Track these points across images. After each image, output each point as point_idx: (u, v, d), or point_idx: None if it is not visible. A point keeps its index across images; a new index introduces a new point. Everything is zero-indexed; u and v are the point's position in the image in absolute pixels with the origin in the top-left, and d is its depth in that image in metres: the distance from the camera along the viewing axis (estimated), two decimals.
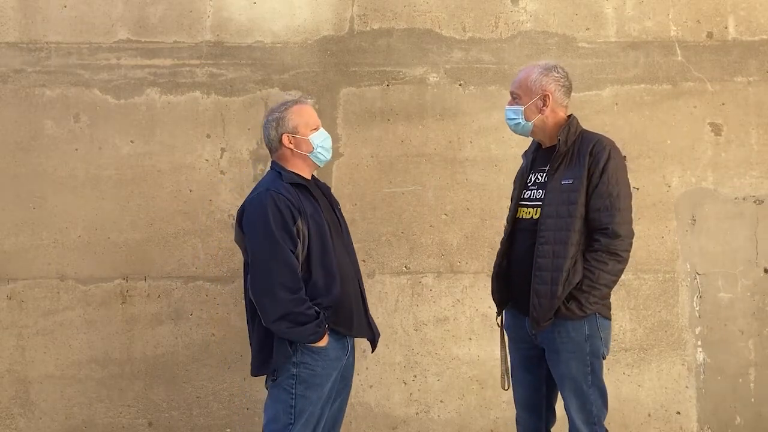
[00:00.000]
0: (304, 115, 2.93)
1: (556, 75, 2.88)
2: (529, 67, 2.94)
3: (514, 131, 2.97)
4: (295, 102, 2.98)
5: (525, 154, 3.07)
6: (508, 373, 3.05)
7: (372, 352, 3.08)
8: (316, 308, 2.74)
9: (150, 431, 3.87)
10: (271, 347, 2.77)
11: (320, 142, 2.93)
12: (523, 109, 2.88)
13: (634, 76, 3.93)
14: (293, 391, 2.77)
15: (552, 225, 2.75)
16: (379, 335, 3.03)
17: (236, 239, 2.93)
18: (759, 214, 3.90)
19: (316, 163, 2.96)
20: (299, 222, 2.75)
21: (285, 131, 2.90)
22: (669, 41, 3.94)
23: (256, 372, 2.84)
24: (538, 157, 2.99)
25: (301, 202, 2.80)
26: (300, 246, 2.76)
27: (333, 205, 3.02)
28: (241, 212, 2.86)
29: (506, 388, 3.06)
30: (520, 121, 2.89)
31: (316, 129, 2.94)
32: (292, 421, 2.76)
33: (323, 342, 2.76)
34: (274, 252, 2.72)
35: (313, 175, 3.04)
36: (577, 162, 2.78)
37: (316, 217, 2.82)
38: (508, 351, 3.05)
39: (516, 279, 2.90)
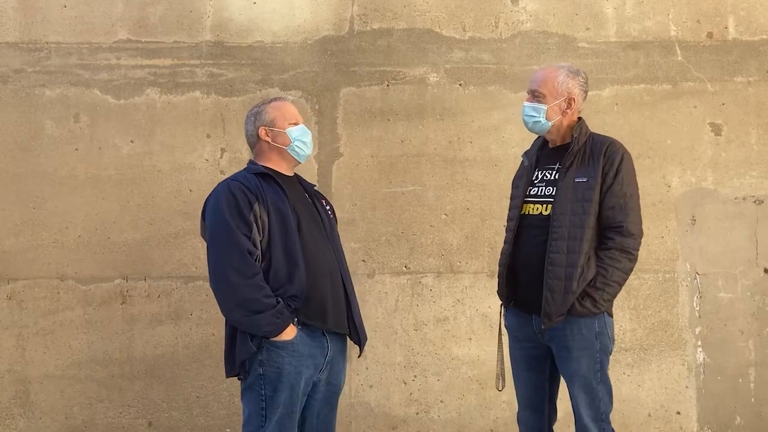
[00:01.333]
0: (282, 109, 2.89)
1: (581, 80, 2.95)
2: (553, 67, 2.98)
3: (531, 129, 2.98)
4: (276, 99, 2.96)
5: (526, 154, 3.08)
6: (503, 374, 3.06)
7: (359, 356, 3.02)
8: (279, 298, 2.66)
9: (150, 431, 3.88)
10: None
11: (297, 135, 2.87)
12: (546, 108, 2.90)
13: (634, 76, 3.93)
14: (262, 392, 2.69)
15: (566, 221, 2.78)
16: (365, 339, 2.92)
17: (201, 233, 2.88)
18: (759, 214, 3.90)
19: (295, 157, 2.90)
20: (256, 207, 2.69)
21: (262, 124, 2.87)
22: (669, 41, 3.94)
23: (228, 373, 2.77)
24: (543, 155, 3.01)
25: (262, 189, 2.74)
26: (257, 231, 2.69)
27: (314, 200, 2.94)
28: (204, 206, 2.84)
29: (500, 389, 3.06)
30: (540, 119, 2.91)
31: (295, 123, 2.89)
32: (263, 424, 2.69)
33: (287, 335, 2.67)
34: (225, 237, 2.66)
35: (296, 174, 2.99)
36: (591, 162, 2.83)
37: (280, 205, 2.75)
38: (504, 351, 3.06)
39: (523, 275, 2.90)
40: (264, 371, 2.69)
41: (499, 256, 3.04)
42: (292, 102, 3.01)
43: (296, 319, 2.70)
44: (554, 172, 2.90)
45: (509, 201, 3.08)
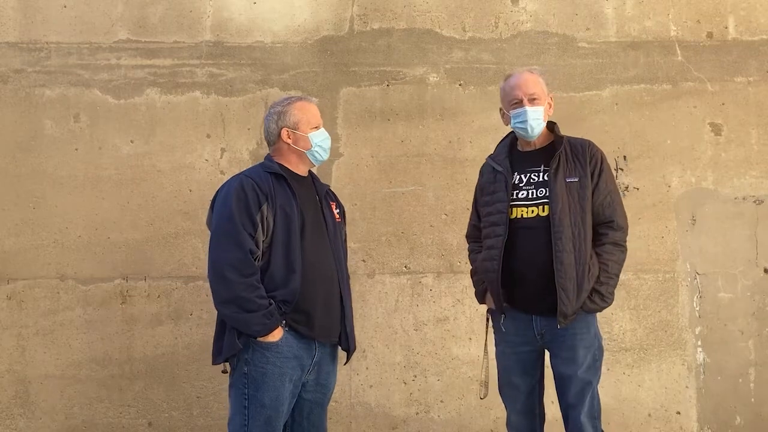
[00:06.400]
0: (307, 112, 2.89)
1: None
2: (530, 71, 2.98)
3: (532, 134, 2.91)
4: (300, 98, 2.95)
5: (494, 160, 3.02)
6: (488, 382, 3.06)
7: (345, 363, 2.99)
8: (271, 300, 2.67)
9: (150, 431, 3.88)
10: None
11: (319, 141, 2.89)
12: (542, 109, 2.92)
13: (634, 76, 3.93)
14: (246, 391, 2.70)
15: (567, 221, 2.81)
16: (354, 348, 2.91)
17: (207, 222, 2.89)
18: (759, 214, 3.90)
19: (313, 161, 2.92)
20: (264, 207, 2.70)
21: (285, 125, 2.86)
22: (669, 41, 3.94)
23: (213, 360, 2.79)
24: (517, 159, 2.96)
25: (273, 190, 2.74)
26: (261, 232, 2.69)
27: (323, 204, 2.92)
28: (215, 196, 2.85)
29: (482, 397, 3.06)
30: (543, 121, 2.92)
31: (317, 128, 2.90)
32: (246, 423, 2.70)
33: (274, 337, 2.67)
34: (230, 232, 2.67)
35: (311, 172, 2.99)
36: (576, 162, 2.88)
37: (287, 208, 2.75)
38: (490, 358, 3.06)
39: (526, 277, 2.86)
40: (248, 370, 2.71)
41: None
42: (315, 102, 3.01)
43: (284, 322, 2.71)
44: (541, 174, 2.89)
45: (481, 208, 3.02)
